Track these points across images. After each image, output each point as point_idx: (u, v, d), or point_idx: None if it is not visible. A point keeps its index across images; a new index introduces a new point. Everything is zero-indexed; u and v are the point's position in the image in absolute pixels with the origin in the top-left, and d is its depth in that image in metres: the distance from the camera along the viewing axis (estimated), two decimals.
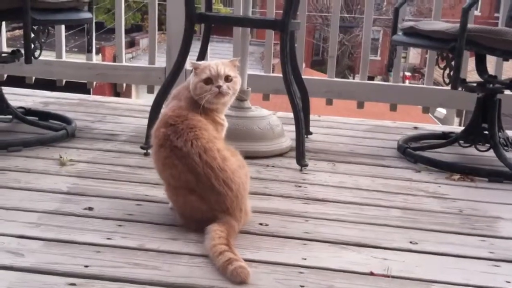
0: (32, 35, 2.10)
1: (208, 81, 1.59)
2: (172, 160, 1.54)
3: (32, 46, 2.11)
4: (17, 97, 3.11)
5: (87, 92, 3.68)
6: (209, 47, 2.55)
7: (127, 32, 13.67)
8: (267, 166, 2.24)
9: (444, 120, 10.90)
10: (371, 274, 1.40)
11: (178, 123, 1.57)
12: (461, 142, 2.48)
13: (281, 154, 2.38)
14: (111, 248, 1.46)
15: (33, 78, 3.42)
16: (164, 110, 1.70)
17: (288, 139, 2.45)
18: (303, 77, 2.69)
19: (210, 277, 1.34)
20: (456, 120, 8.49)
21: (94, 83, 3.51)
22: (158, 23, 3.38)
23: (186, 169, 1.53)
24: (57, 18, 2.30)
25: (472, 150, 2.45)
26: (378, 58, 20.00)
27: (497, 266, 1.49)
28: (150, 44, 3.39)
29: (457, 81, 2.20)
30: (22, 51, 2.21)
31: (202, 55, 2.42)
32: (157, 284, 1.30)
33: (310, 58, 20.70)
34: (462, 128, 2.68)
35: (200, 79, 1.59)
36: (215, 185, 1.52)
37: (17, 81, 3.36)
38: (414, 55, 19.11)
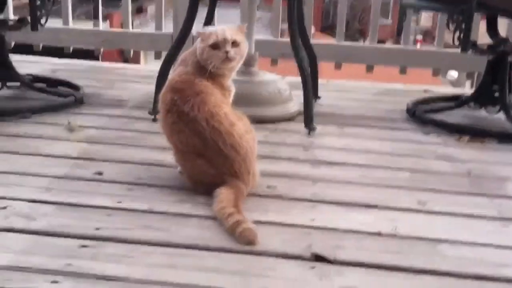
0: (38, 2, 2.09)
1: (215, 46, 1.58)
2: (179, 126, 1.55)
3: (38, 13, 2.10)
4: (25, 64, 3.08)
5: (95, 59, 3.66)
6: (216, 13, 2.53)
7: None
8: (275, 130, 2.24)
9: (456, 83, 10.78)
10: (379, 234, 1.41)
11: (185, 88, 1.57)
12: (471, 104, 2.46)
13: (289, 119, 2.37)
14: (121, 211, 1.48)
15: (41, 45, 3.41)
16: (171, 75, 1.69)
17: (296, 104, 2.44)
18: (311, 41, 2.66)
19: (219, 238, 1.35)
20: (468, 83, 8.40)
21: (102, 49, 3.50)
22: None
23: (193, 134, 1.54)
24: None
25: (482, 113, 2.43)
26: (390, 21, 19.71)
27: (505, 226, 1.50)
28: (157, 10, 3.36)
29: (467, 43, 2.17)
30: (29, 18, 2.21)
31: (208, 21, 2.40)
32: (166, 245, 1.32)
33: (320, 22, 20.45)
34: (472, 90, 2.65)
35: (207, 44, 1.58)
36: (222, 149, 1.53)
37: (25, 49, 3.35)
38: (426, 18, 18.79)
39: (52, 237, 1.33)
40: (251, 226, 1.35)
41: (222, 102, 1.59)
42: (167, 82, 1.65)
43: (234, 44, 1.59)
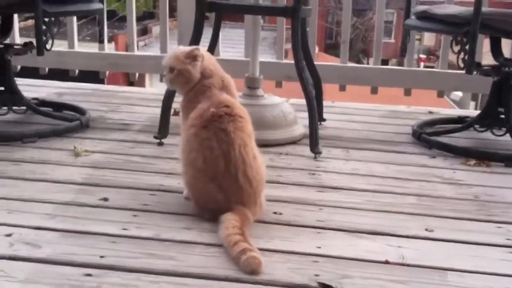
0: (44, 27, 2.11)
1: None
2: (211, 143, 1.54)
3: (44, 38, 2.12)
4: (31, 88, 3.12)
5: (100, 81, 3.69)
6: (221, 34, 2.54)
7: (140, 19, 13.65)
8: (280, 154, 2.23)
9: (460, 103, 10.79)
10: (387, 262, 1.39)
11: (233, 107, 1.59)
12: (477, 126, 2.46)
13: (294, 142, 2.37)
14: (126, 238, 1.47)
15: (46, 68, 3.44)
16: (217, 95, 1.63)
17: (301, 126, 2.44)
18: (316, 62, 2.67)
19: (224, 266, 1.34)
20: (472, 103, 8.41)
21: (107, 72, 3.52)
22: (169, 9, 3.37)
23: (222, 155, 1.53)
24: (68, 10, 2.31)
25: (488, 135, 2.43)
26: (392, 40, 19.80)
27: None
28: (161, 32, 3.39)
29: (472, 65, 2.17)
30: (34, 42, 2.22)
31: (213, 43, 2.41)
32: (172, 274, 1.31)
33: (323, 42, 20.57)
34: (477, 112, 2.65)
35: None
36: (239, 179, 1.54)
37: (31, 72, 3.37)
38: (429, 37, 18.89)
39: (56, 266, 1.32)
40: (255, 255, 1.34)
41: (252, 133, 1.61)
42: (212, 98, 1.61)
43: (171, 70, 1.64)
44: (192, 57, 1.63)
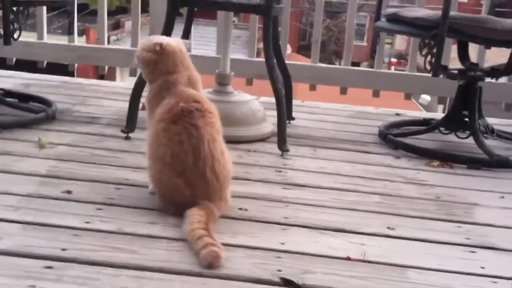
0: (12, 16, 2.07)
1: None
2: (181, 137, 1.54)
3: (12, 27, 2.08)
4: None
5: (69, 74, 3.63)
6: (194, 31, 2.53)
7: (113, 14, 13.49)
8: (249, 151, 2.24)
9: (428, 107, 10.97)
10: (348, 259, 1.41)
11: (202, 102, 1.59)
12: (442, 129, 2.50)
13: (263, 139, 2.38)
14: (89, 231, 1.46)
15: (14, 59, 3.37)
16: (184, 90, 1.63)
17: (270, 124, 2.45)
18: (287, 62, 2.68)
19: (187, 261, 1.34)
20: (440, 107, 8.55)
21: (76, 65, 3.47)
22: (142, 4, 3.34)
23: (191, 150, 1.53)
24: None
25: (452, 137, 2.47)
26: (365, 44, 19.98)
27: (473, 252, 1.51)
28: (133, 26, 3.36)
29: (438, 68, 2.21)
30: (1, 32, 2.18)
31: (185, 38, 2.40)
32: (134, 267, 1.30)
33: (296, 43, 20.64)
34: (443, 115, 2.70)
35: None
36: (206, 174, 1.54)
37: None
38: (400, 42, 19.13)
39: (16, 258, 1.30)
40: (215, 249, 1.34)
41: (220, 128, 1.62)
42: (176, 92, 1.61)
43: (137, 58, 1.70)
44: (154, 48, 1.63)
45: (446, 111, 2.77)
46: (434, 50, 2.22)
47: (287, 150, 2.22)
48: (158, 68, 1.64)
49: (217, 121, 1.61)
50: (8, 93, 2.61)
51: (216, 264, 1.31)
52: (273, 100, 2.28)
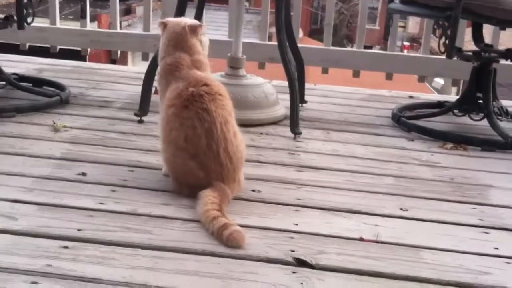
0: (25, 1, 2.08)
1: None
2: (193, 122, 1.54)
3: (25, 12, 2.09)
4: (11, 64, 3.08)
5: (82, 59, 3.64)
6: (205, 15, 2.53)
7: None
8: (261, 134, 2.24)
9: (442, 90, 10.87)
10: (361, 239, 1.41)
11: (212, 85, 1.59)
12: (456, 111, 2.48)
13: (275, 122, 2.38)
14: (103, 212, 1.47)
15: (27, 44, 3.39)
16: (191, 73, 1.62)
17: (282, 107, 2.45)
18: (299, 45, 2.67)
19: (201, 241, 1.35)
20: (454, 90, 8.48)
21: (89, 50, 3.48)
22: None
23: (204, 134, 1.54)
24: None
25: (466, 119, 2.46)
26: (377, 27, 19.82)
27: (487, 233, 1.51)
28: (145, 11, 3.36)
29: (452, 50, 2.19)
30: (15, 17, 2.19)
31: None
32: (148, 247, 1.31)
33: (308, 27, 20.51)
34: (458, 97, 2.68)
35: None
36: (220, 155, 1.54)
37: (11, 48, 3.33)
38: (413, 25, 18.96)
39: (32, 238, 1.32)
40: (238, 229, 1.35)
41: (232, 110, 1.62)
42: (185, 76, 1.60)
43: None
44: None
45: (460, 94, 2.75)
46: (448, 32, 2.20)
47: (300, 133, 2.22)
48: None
49: (228, 103, 1.61)
50: (22, 77, 2.62)
51: (243, 244, 1.33)
52: (285, 83, 2.27)
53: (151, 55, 2.90)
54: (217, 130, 1.54)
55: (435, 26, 2.28)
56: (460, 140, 2.26)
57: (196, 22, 1.71)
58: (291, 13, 2.87)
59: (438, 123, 2.50)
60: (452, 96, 3.52)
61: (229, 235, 1.33)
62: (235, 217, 1.46)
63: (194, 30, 1.66)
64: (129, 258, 1.26)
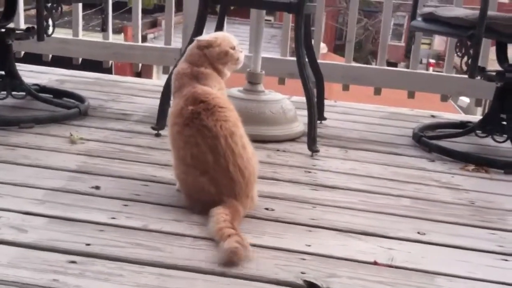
0: (45, 12, 2.10)
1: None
2: (196, 139, 1.53)
3: (45, 23, 2.11)
4: (33, 74, 3.11)
5: (105, 71, 3.67)
6: (228, 29, 2.53)
7: (150, 12, 13.63)
8: (278, 150, 2.21)
9: (467, 109, 10.72)
10: (375, 263, 1.37)
11: (208, 101, 1.57)
12: (478, 132, 2.43)
13: (293, 139, 2.35)
14: (114, 227, 1.46)
15: (50, 55, 3.43)
16: (190, 89, 1.61)
17: (300, 124, 2.42)
18: (320, 61, 2.65)
19: (211, 260, 1.33)
20: (480, 110, 8.35)
21: (110, 62, 3.51)
22: (179, 3, 3.35)
23: (209, 150, 1.52)
24: None
25: (489, 141, 2.40)
26: (402, 44, 19.71)
27: (506, 260, 1.46)
28: (166, 24, 3.37)
29: (475, 69, 2.15)
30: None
31: None
32: (158, 265, 1.29)
33: (333, 42, 20.48)
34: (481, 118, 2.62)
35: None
36: (230, 170, 1.52)
37: (34, 59, 3.36)
38: (439, 42, 18.79)
39: (41, 251, 1.31)
40: (239, 246, 1.32)
41: (238, 121, 1.59)
42: (186, 95, 1.60)
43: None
44: None
45: (483, 114, 2.70)
46: (471, 51, 2.15)
47: (317, 151, 2.19)
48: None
49: (231, 114, 1.58)
50: (43, 88, 2.64)
51: (235, 261, 1.30)
52: (304, 99, 2.25)
53: (171, 69, 2.90)
54: (221, 144, 1.52)
55: (458, 45, 2.24)
56: (482, 162, 2.21)
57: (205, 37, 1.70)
58: (312, 29, 2.85)
59: (460, 144, 2.45)
60: (475, 116, 3.45)
61: (227, 250, 1.31)
62: (247, 236, 1.43)
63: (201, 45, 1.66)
64: (136, 276, 1.24)
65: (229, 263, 1.30)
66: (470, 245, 1.51)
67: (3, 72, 2.39)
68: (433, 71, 13.73)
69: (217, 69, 1.65)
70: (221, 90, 1.65)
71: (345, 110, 2.99)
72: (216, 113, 1.55)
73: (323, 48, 4.06)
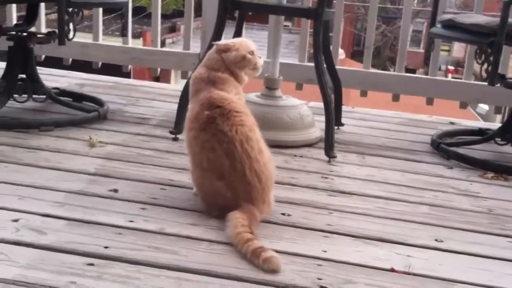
0: (66, 17, 2.13)
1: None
2: (212, 144, 1.54)
3: (66, 28, 2.14)
4: (54, 78, 3.16)
5: (124, 75, 3.70)
6: (246, 34, 2.53)
7: (169, 17, 13.73)
8: (295, 156, 2.21)
9: (486, 117, 10.62)
10: (392, 270, 1.37)
11: (224, 106, 1.57)
12: (498, 139, 2.41)
13: (310, 145, 2.35)
14: (132, 230, 1.47)
15: (70, 59, 3.47)
16: (206, 94, 1.62)
17: (318, 130, 2.42)
18: (338, 67, 2.64)
19: (227, 264, 1.33)
20: (499, 117, 8.27)
21: (130, 66, 3.54)
22: (197, 8, 3.37)
23: (225, 154, 1.53)
24: (92, 1, 2.32)
25: (508, 149, 2.38)
26: (421, 50, 19.57)
27: None
28: (185, 29, 3.39)
29: (494, 77, 2.13)
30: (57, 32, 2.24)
31: None
32: (174, 268, 1.30)
33: (351, 48, 20.44)
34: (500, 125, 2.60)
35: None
36: (247, 175, 1.52)
37: (55, 62, 3.41)
38: (458, 49, 18.65)
39: (60, 253, 1.33)
40: (277, 255, 1.34)
41: (254, 125, 1.59)
42: (202, 100, 1.60)
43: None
44: None
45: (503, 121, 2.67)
46: (491, 58, 2.14)
47: (334, 157, 2.19)
48: None
49: (247, 118, 1.58)
50: (63, 92, 2.68)
51: (280, 271, 1.31)
52: (322, 105, 2.25)
53: (190, 74, 2.92)
54: (237, 149, 1.52)
55: (478, 52, 2.22)
56: (501, 170, 2.19)
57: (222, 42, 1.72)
58: (331, 34, 2.85)
59: (478, 151, 2.42)
60: (494, 124, 3.42)
61: (269, 258, 1.32)
62: (264, 241, 1.43)
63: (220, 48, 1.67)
64: (153, 279, 1.25)
65: (272, 271, 1.31)
66: (488, 253, 1.50)
67: (24, 76, 2.43)
68: (452, 77, 13.65)
69: (234, 73, 1.66)
70: (238, 95, 1.66)
71: (362, 116, 2.98)
72: (231, 118, 1.55)
73: (341, 54, 4.05)
